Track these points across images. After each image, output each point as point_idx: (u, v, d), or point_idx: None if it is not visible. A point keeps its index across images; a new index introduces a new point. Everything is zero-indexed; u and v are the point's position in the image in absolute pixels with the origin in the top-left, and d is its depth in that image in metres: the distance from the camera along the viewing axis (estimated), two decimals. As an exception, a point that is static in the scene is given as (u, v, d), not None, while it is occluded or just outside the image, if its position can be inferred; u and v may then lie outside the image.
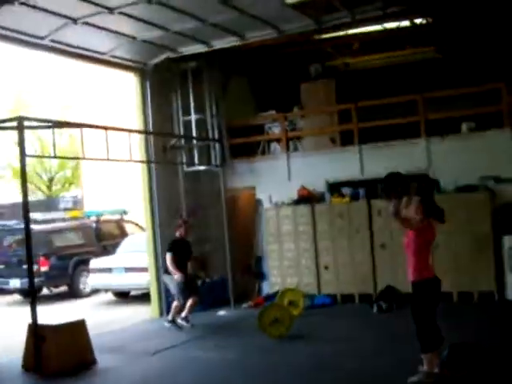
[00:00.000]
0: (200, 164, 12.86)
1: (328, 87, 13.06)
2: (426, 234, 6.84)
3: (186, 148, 12.87)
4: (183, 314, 11.03)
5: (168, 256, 11.05)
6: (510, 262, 11.19)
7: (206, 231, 13.34)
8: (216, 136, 13.09)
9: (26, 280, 14.98)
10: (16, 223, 15.83)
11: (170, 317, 11.17)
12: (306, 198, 12.56)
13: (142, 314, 12.71)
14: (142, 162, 12.27)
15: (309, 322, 10.66)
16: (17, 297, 16.45)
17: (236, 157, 13.62)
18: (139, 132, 12.18)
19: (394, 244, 11.87)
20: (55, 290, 16.88)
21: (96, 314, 13.40)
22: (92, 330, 9.22)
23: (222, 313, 12.00)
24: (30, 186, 22.29)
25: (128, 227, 18.02)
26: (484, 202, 11.36)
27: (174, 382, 7.97)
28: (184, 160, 12.84)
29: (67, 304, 15.33)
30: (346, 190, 12.36)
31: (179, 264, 11.03)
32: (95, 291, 15.83)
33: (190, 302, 11.02)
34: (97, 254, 15.97)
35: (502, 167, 11.47)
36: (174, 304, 11.11)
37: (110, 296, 15.51)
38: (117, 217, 18.43)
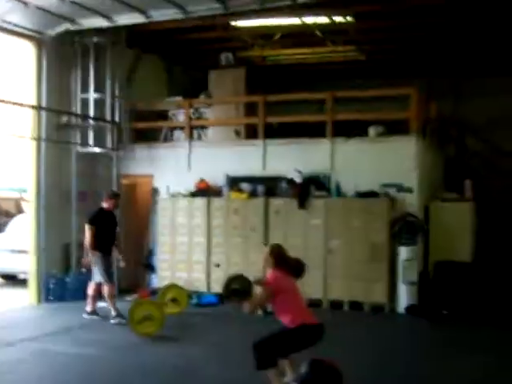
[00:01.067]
0: (95, 146, 12.10)
1: (237, 77, 12.48)
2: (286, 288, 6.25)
3: (82, 128, 12.09)
4: (88, 309, 10.22)
5: (87, 227, 10.04)
6: (404, 273, 10.87)
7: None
8: (115, 118, 12.37)
9: None
10: None
11: (88, 308, 10.24)
12: (204, 191, 11.97)
13: (25, 300, 11.87)
14: (29, 138, 11.43)
15: (187, 322, 10.08)
16: None
17: (136, 142, 12.92)
18: (30, 107, 11.35)
19: (290, 245, 11.39)
20: None
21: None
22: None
23: (102, 304, 11.24)
24: None
25: (27, 207, 16.97)
26: (383, 209, 10.97)
27: (13, 376, 7.23)
28: (78, 141, 12.06)
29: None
30: (245, 186, 11.82)
31: (101, 239, 10.00)
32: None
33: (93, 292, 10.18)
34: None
35: (406, 175, 11.13)
36: (106, 289, 10.04)
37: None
38: (16, 195, 17.42)
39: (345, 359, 7.72)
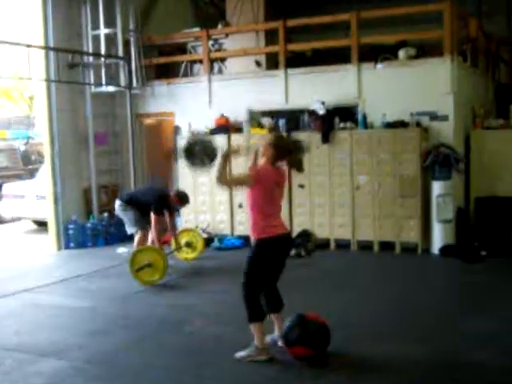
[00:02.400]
0: (109, 85, 11.50)
1: (256, 2, 11.47)
2: (265, 185, 5.55)
3: (95, 67, 11.48)
4: None
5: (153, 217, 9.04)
6: (437, 211, 9.89)
7: (117, 160, 12.17)
8: (131, 54, 11.70)
9: None
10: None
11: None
12: (224, 128, 11.20)
13: (47, 247, 11.67)
14: (38, 80, 10.96)
15: (199, 268, 9.56)
16: None
17: (156, 78, 12.24)
18: (38, 47, 10.80)
19: (313, 183, 10.64)
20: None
21: (4, 243, 12.47)
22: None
23: (122, 250, 10.82)
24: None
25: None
26: (414, 140, 9.92)
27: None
28: (91, 80, 11.47)
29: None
30: (266, 121, 10.99)
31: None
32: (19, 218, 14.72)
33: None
34: (23, 178, 14.85)
35: (440, 102, 9.99)
36: (137, 238, 9.37)
37: (31, 224, 14.47)
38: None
39: (363, 305, 7.23)
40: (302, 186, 10.63)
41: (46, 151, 11.26)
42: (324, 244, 10.53)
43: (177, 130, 11.95)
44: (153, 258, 8.45)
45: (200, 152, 6.46)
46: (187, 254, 9.99)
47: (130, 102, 11.64)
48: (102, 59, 11.40)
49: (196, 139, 6.56)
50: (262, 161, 5.69)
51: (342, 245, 10.49)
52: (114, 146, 12.09)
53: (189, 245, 10.01)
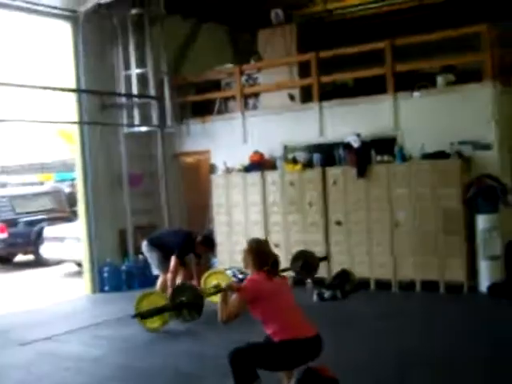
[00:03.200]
0: (141, 125, 11.37)
1: (288, 34, 11.13)
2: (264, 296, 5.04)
3: (127, 107, 11.38)
4: None
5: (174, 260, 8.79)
6: (484, 247, 9.18)
7: (154, 200, 11.96)
8: (165, 93, 11.58)
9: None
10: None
11: None
12: (258, 165, 10.86)
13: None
14: (71, 123, 10.96)
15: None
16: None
17: (190, 117, 12.06)
18: (70, 90, 10.81)
19: (351, 220, 10.11)
20: (25, 258, 15.89)
21: (44, 286, 12.42)
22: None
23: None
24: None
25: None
26: (455, 172, 9.29)
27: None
28: (124, 121, 11.36)
29: (29, 272, 14.36)
30: (300, 156, 10.58)
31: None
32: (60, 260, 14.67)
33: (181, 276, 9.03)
34: (69, 220, 14.86)
35: (482, 130, 9.36)
36: (160, 280, 9.03)
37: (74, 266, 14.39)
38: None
39: (392, 359, 6.55)
40: (339, 224, 10.12)
41: (80, 192, 11.16)
42: (364, 283, 9.95)
43: (212, 168, 11.69)
44: (155, 304, 8.04)
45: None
46: (216, 298, 9.58)
47: (162, 141, 11.47)
48: (135, 99, 11.29)
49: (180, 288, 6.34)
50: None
51: (383, 284, 9.87)
52: (151, 186, 11.89)
53: (217, 287, 9.59)
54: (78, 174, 11.19)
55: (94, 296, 10.97)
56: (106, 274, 11.05)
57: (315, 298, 9.40)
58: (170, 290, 8.42)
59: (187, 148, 12.05)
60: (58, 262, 14.47)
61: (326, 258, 8.82)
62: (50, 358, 7.30)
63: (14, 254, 15.64)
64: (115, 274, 11.08)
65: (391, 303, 9.21)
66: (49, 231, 13.89)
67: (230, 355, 4.93)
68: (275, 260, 5.21)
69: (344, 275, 9.93)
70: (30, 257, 15.32)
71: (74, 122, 10.91)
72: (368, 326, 7.93)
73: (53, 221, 14.95)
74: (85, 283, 11.23)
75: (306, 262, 7.60)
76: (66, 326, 8.74)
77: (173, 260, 8.67)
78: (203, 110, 11.97)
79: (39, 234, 14.60)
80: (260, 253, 5.17)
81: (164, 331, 8.04)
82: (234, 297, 5.01)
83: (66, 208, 15.94)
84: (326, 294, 9.43)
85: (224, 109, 11.85)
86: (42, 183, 17.05)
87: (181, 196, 12.16)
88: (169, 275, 8.74)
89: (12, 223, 14.43)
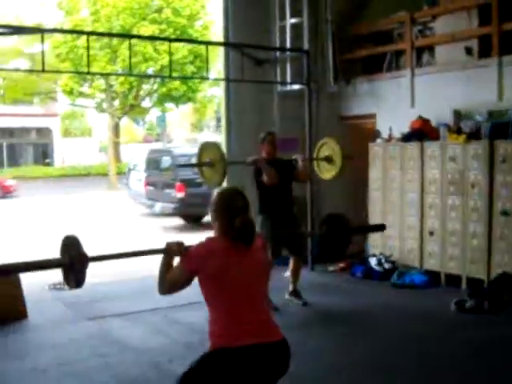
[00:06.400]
0: (294, 83, 10.02)
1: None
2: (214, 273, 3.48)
3: (280, 63, 10.11)
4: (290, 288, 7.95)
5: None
6: None
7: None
8: (328, 46, 10.06)
9: (165, 205, 14.30)
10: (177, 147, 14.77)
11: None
12: (419, 133, 8.91)
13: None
14: (216, 79, 10.06)
15: (321, 313, 7.63)
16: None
17: (356, 74, 10.39)
18: (218, 44, 9.90)
19: (521, 211, 7.78)
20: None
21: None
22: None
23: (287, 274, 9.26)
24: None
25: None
26: None
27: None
28: (277, 78, 10.11)
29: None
30: (466, 125, 8.39)
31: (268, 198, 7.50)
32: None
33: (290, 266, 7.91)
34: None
35: None
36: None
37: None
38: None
39: None
40: (505, 214, 7.85)
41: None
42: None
43: (377, 135, 9.95)
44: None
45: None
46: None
47: (308, 100, 9.91)
48: (289, 54, 9.99)
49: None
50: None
51: None
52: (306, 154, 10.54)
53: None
54: (222, 137, 10.29)
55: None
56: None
57: (453, 306, 7.40)
58: None
59: (351, 111, 10.46)
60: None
61: (382, 227, 5.39)
62: (98, 339, 6.57)
63: (193, 215, 15.45)
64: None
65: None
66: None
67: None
68: (247, 223, 3.54)
69: (504, 281, 7.72)
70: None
71: (221, 79, 9.98)
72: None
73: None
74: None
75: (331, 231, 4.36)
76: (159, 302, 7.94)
77: None
78: (371, 66, 10.24)
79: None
80: (230, 209, 3.55)
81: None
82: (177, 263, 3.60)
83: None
84: (469, 303, 7.36)
85: (395, 65, 9.99)
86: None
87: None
88: None
89: (191, 183, 14.08)
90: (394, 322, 7.08)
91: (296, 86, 10.10)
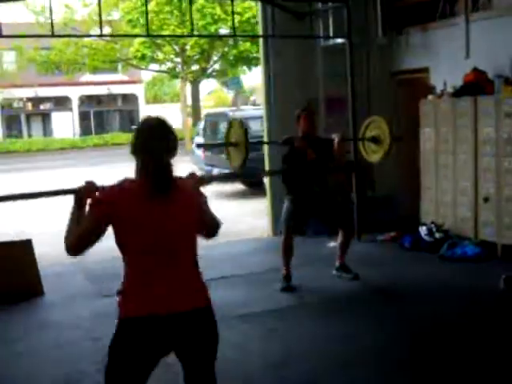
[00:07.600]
0: (336, 36, 9.18)
1: None
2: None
3: (323, 15, 9.28)
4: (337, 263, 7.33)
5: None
6: None
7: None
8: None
9: (222, 170, 13.75)
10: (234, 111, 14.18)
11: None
12: (472, 87, 7.93)
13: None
14: (252, 36, 9.35)
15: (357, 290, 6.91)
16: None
17: (407, 25, 9.41)
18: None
19: None
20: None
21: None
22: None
23: (332, 244, 8.54)
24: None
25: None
26: None
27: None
28: (320, 32, 9.29)
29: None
30: (520, 78, 7.37)
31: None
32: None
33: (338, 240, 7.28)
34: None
35: None
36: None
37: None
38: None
39: None
40: None
41: (264, 119, 9.58)
42: None
43: (430, 90, 9.00)
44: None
45: None
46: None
47: (349, 54, 9.01)
48: (330, 4, 9.15)
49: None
50: None
51: None
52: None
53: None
54: (262, 99, 9.62)
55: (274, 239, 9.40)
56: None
57: (502, 283, 6.52)
58: None
59: (404, 65, 9.53)
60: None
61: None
62: (103, 318, 6.16)
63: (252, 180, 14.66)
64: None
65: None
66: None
67: None
68: (160, 169, 2.94)
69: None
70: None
71: (258, 36, 9.30)
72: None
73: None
74: (268, 224, 9.83)
75: None
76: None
77: None
78: (423, 15, 9.24)
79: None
80: (145, 149, 2.95)
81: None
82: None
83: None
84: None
85: (449, 13, 8.95)
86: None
87: (395, 128, 9.72)
88: None
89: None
90: (432, 300, 6.32)
91: (339, 40, 9.26)
